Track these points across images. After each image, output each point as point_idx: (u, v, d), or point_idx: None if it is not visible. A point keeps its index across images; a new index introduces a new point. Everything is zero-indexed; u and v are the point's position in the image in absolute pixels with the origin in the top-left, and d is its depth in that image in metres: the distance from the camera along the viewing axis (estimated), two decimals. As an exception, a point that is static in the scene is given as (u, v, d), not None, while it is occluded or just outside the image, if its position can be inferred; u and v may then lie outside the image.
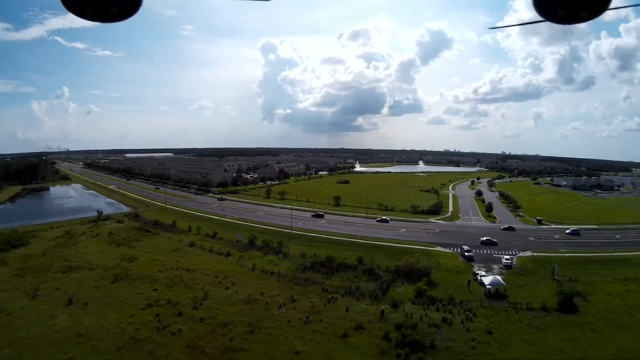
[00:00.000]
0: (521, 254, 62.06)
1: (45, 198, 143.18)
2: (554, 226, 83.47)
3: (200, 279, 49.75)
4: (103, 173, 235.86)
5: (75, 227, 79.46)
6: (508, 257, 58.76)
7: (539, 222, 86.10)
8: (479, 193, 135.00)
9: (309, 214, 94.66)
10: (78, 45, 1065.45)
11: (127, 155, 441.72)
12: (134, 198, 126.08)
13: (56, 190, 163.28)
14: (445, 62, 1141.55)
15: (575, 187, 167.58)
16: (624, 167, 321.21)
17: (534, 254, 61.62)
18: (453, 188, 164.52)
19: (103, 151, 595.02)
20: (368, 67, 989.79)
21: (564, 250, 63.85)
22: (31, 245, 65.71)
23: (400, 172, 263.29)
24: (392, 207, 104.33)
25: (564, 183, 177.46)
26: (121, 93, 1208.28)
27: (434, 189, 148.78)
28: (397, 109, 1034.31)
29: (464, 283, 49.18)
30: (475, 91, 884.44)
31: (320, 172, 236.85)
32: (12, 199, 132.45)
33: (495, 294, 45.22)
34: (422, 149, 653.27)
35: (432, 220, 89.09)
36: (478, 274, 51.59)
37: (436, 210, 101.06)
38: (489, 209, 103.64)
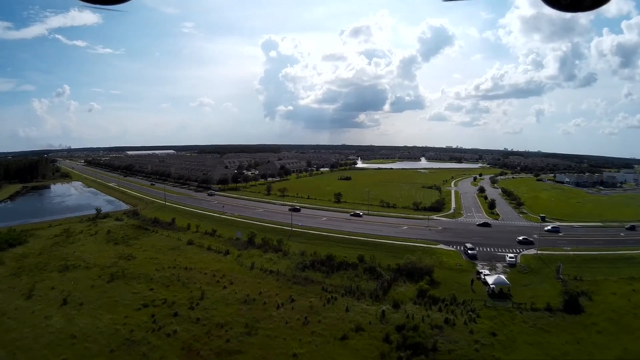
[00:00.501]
0: (525, 252, 61.03)
1: (45, 196, 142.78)
2: (557, 224, 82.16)
3: (197, 278, 48.94)
4: (104, 170, 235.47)
5: (74, 226, 78.90)
6: (512, 255, 57.82)
7: (543, 219, 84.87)
8: (482, 190, 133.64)
9: (308, 211, 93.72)
10: (79, 43, 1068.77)
11: (129, 152, 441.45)
12: (133, 195, 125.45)
13: (56, 188, 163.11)
14: (447, 58, 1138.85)
15: (578, 184, 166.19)
16: (626, 164, 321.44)
17: (539, 252, 60.56)
18: (455, 185, 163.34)
19: (104, 149, 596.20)
20: (369, 64, 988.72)
21: (568, 249, 62.76)
22: (29, 244, 65.20)
23: (402, 169, 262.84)
24: (394, 204, 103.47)
25: (567, 180, 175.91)
26: (122, 91, 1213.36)
27: (436, 186, 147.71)
28: (399, 106, 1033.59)
29: (467, 282, 48.29)
30: (477, 88, 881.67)
31: (322, 169, 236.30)
32: (11, 198, 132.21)
33: (499, 294, 44.25)
34: (423, 146, 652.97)
35: (435, 217, 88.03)
36: (481, 272, 50.59)
37: (438, 207, 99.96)
38: (491, 205, 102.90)
